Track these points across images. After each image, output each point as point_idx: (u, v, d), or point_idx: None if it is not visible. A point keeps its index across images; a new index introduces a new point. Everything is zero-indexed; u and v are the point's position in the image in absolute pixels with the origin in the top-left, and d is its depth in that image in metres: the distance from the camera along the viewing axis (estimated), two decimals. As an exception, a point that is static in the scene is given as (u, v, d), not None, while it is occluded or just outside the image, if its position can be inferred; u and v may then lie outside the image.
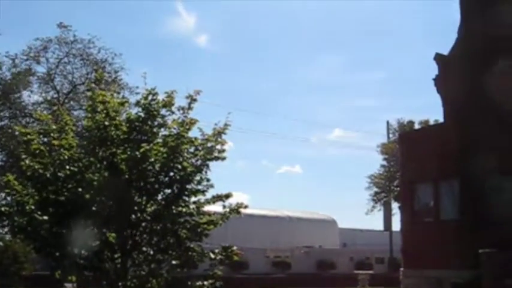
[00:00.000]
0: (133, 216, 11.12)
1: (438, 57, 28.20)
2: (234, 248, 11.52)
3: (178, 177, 11.03)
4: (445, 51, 28.30)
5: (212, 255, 11.47)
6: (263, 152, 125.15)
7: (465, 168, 21.84)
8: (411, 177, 24.83)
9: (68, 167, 11.03)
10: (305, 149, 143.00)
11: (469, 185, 22.11)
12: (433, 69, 28.46)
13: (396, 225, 45.84)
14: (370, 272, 49.62)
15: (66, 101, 34.59)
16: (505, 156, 20.69)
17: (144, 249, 11.40)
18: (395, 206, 54.65)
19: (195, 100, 11.34)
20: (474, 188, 21.84)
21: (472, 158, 21.57)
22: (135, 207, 11.12)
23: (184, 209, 11.24)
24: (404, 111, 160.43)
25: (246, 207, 11.50)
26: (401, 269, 24.93)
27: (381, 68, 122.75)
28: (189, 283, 11.26)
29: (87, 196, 10.88)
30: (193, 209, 11.30)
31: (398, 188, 43.71)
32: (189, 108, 11.36)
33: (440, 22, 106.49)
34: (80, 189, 10.90)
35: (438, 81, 27.95)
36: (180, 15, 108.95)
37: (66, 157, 11.12)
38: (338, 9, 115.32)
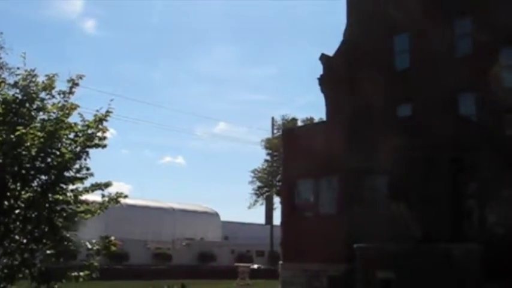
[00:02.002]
0: (6, 202, 10.61)
1: (323, 58, 29.08)
2: (112, 238, 11.28)
3: (55, 163, 10.62)
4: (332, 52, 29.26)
5: (89, 246, 11.17)
6: (146, 141, 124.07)
7: (344, 166, 22.62)
8: (293, 172, 25.36)
9: None
10: (189, 141, 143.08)
11: (346, 182, 22.93)
12: (320, 69, 29.33)
13: (278, 219, 46.83)
14: (251, 264, 50.35)
15: None
16: (379, 157, 21.58)
17: (17, 237, 10.89)
18: (277, 200, 55.91)
19: (76, 84, 10.95)
20: (351, 185, 22.68)
21: (350, 157, 22.38)
22: (8, 194, 10.62)
23: (61, 197, 10.86)
24: (292, 108, 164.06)
25: (125, 196, 11.26)
26: (280, 262, 25.42)
27: (271, 64, 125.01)
28: (64, 274, 10.89)
29: (-45, 179, 10.30)
30: (70, 197, 10.93)
31: (280, 183, 44.58)
32: (70, 92, 10.93)
33: (331, 23, 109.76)
34: None
35: (322, 81, 28.82)
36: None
37: None
38: (236, 3, 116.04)
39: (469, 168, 21.11)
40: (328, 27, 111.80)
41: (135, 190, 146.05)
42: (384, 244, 20.41)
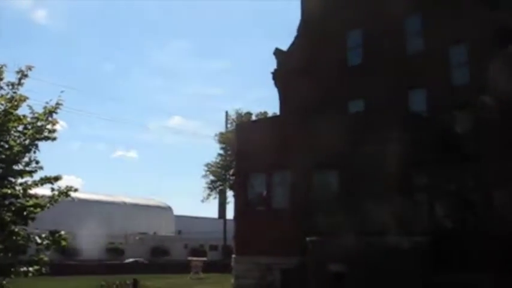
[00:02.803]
0: (-49, 197, 10.36)
1: (277, 53, 29.20)
2: (62, 232, 11.09)
3: (4, 156, 10.41)
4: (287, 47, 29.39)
5: (39, 240, 10.97)
6: (98, 135, 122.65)
7: (296, 161, 22.79)
8: (246, 166, 25.40)
9: None
10: (142, 135, 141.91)
11: (299, 176, 23.10)
12: (274, 63, 29.44)
13: (231, 213, 46.90)
14: (204, 258, 50.37)
15: None
16: (331, 151, 21.77)
17: (-37, 232, 10.67)
18: (230, 194, 56.05)
19: (26, 76, 10.74)
20: (304, 179, 22.86)
21: (302, 151, 22.55)
22: (-46, 188, 10.37)
23: (9, 191, 10.65)
24: (245, 102, 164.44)
25: (75, 190, 11.11)
26: (234, 255, 25.46)
27: (225, 58, 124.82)
28: (13, 269, 10.68)
29: None
30: (19, 190, 10.73)
31: (233, 177, 44.65)
32: (19, 84, 10.73)
33: (286, 17, 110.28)
34: None
35: (276, 76, 28.93)
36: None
37: None
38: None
39: (419, 163, 21.49)
40: (283, 22, 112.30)
41: (87, 184, 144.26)
42: (336, 237, 20.64)
